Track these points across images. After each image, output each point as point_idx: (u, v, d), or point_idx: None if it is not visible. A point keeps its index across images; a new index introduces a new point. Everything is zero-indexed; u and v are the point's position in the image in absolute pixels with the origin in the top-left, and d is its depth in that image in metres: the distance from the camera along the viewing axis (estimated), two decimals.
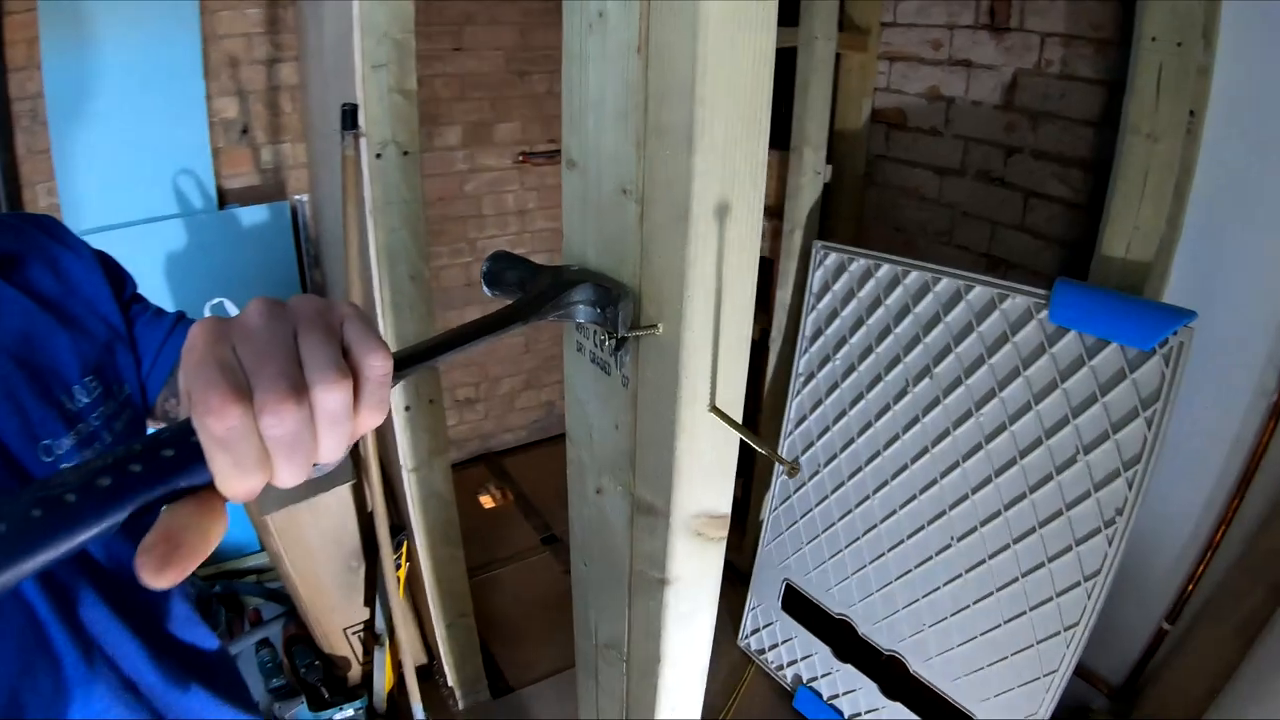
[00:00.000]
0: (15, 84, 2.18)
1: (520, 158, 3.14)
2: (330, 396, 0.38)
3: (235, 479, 0.36)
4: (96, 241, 2.37)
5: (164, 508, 0.36)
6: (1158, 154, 1.46)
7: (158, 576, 0.34)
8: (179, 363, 0.72)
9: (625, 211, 0.73)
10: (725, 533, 0.87)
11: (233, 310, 1.92)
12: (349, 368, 0.39)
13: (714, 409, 0.72)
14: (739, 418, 0.74)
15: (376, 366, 0.40)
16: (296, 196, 2.60)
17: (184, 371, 0.37)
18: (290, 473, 0.38)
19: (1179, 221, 1.53)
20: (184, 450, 0.35)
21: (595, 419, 0.91)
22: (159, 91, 2.32)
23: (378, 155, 1.77)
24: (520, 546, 3.01)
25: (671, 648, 0.91)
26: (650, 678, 0.97)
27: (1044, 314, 1.61)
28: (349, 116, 1.72)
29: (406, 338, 1.92)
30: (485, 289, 0.73)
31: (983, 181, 1.87)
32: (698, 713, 1.02)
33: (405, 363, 0.46)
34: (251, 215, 2.50)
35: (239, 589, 2.53)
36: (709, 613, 0.93)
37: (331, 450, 0.39)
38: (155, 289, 2.35)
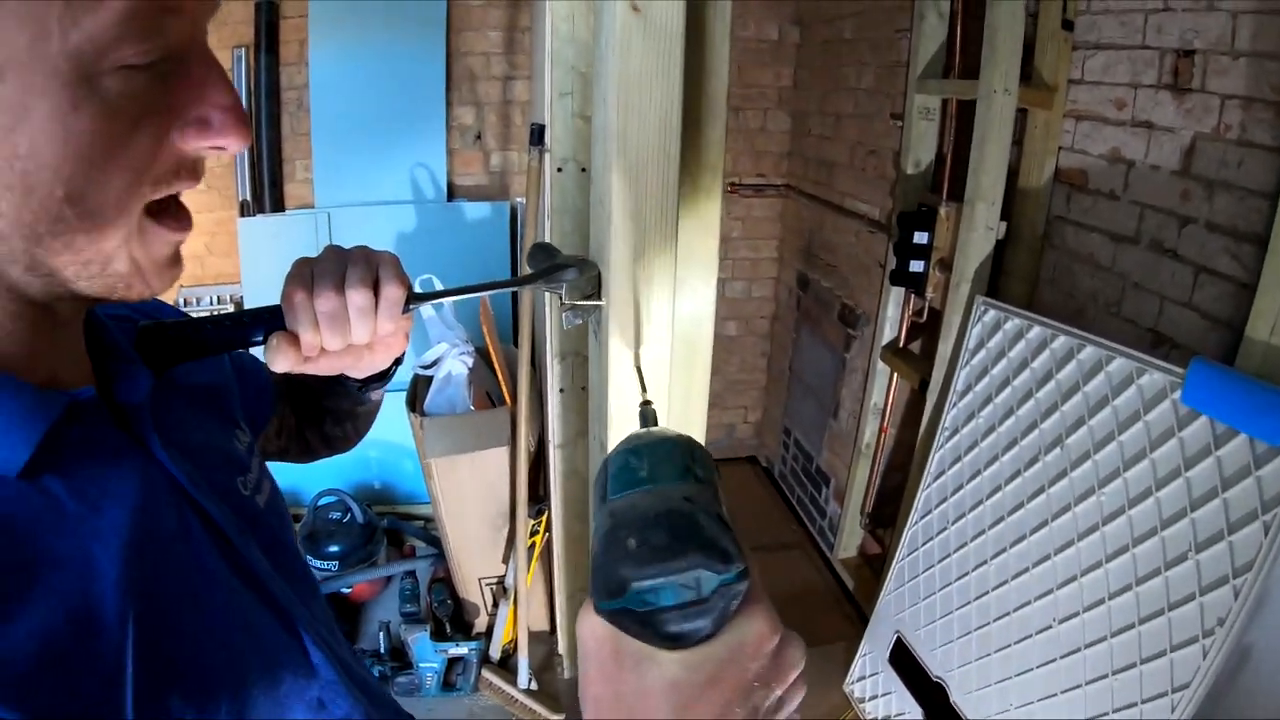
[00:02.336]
0: (286, 76, 2.72)
1: (729, 188, 3.29)
2: (357, 296, 0.63)
3: (301, 330, 0.62)
4: (339, 215, 2.83)
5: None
6: None
7: (276, 358, 0.62)
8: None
9: (600, 216, 0.90)
10: None
11: (439, 284, 2.23)
12: (375, 286, 0.64)
13: (637, 368, 0.86)
14: (665, 379, 0.88)
15: (391, 289, 0.64)
16: (517, 199, 2.94)
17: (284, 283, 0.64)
18: (331, 338, 0.63)
19: None
20: (276, 314, 0.63)
21: (592, 376, 1.08)
22: (406, 95, 2.76)
23: (559, 169, 2.00)
24: None
25: None
26: None
27: (1178, 394, 1.50)
28: (536, 134, 1.96)
29: (568, 332, 2.12)
30: (528, 266, 0.91)
31: (1155, 252, 1.75)
32: None
33: (421, 297, 0.70)
34: (476, 210, 2.87)
35: (404, 528, 2.90)
36: None
37: (361, 333, 0.64)
38: None
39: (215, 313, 0.65)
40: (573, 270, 0.85)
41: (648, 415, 0.64)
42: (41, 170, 0.39)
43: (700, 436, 1.11)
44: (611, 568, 0.41)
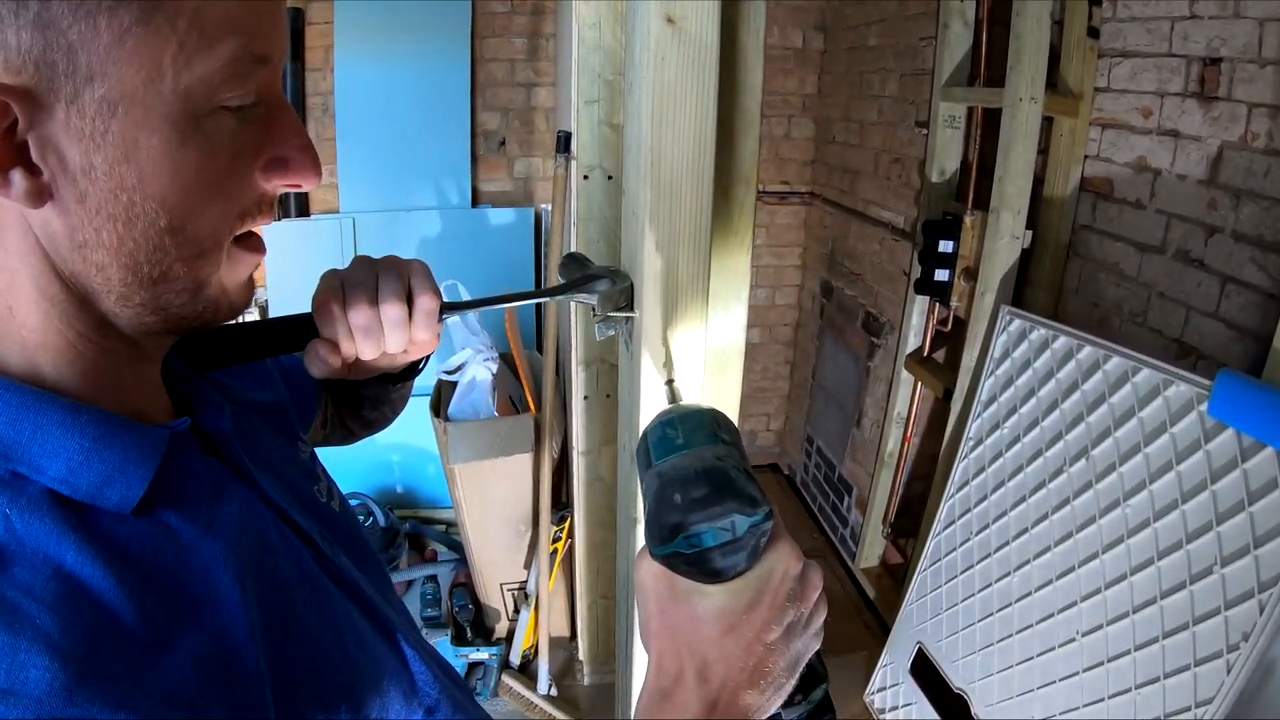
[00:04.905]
0: (311, 81, 2.79)
1: None
2: (390, 309, 0.65)
3: (339, 340, 0.65)
4: (364, 221, 2.88)
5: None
6: None
7: (315, 365, 0.66)
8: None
9: (633, 228, 0.91)
10: None
11: (464, 292, 2.27)
12: (409, 298, 0.66)
13: (669, 383, 0.86)
14: (698, 396, 0.89)
15: (425, 300, 0.67)
16: (542, 205, 2.98)
17: (314, 295, 0.66)
18: (366, 349, 0.66)
19: None
20: (309, 321, 0.65)
21: (622, 390, 1.09)
22: (431, 101, 2.82)
23: (585, 176, 2.03)
24: None
25: None
26: (629, 633, 1.10)
27: (1204, 406, 1.50)
28: (563, 141, 2.00)
29: (593, 339, 2.15)
30: (559, 276, 0.92)
31: (1181, 262, 1.76)
32: None
33: (454, 307, 0.72)
34: (500, 216, 2.92)
35: (426, 532, 2.94)
36: None
37: (395, 344, 0.66)
38: None
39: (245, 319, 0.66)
40: (605, 281, 0.86)
41: (674, 393, 0.70)
42: (148, 201, 0.43)
43: None
44: (663, 518, 0.51)
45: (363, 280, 0.65)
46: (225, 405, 0.58)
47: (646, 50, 0.81)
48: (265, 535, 0.53)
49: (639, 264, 0.89)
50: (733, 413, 1.05)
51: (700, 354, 0.90)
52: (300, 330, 0.66)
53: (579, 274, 0.89)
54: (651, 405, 0.91)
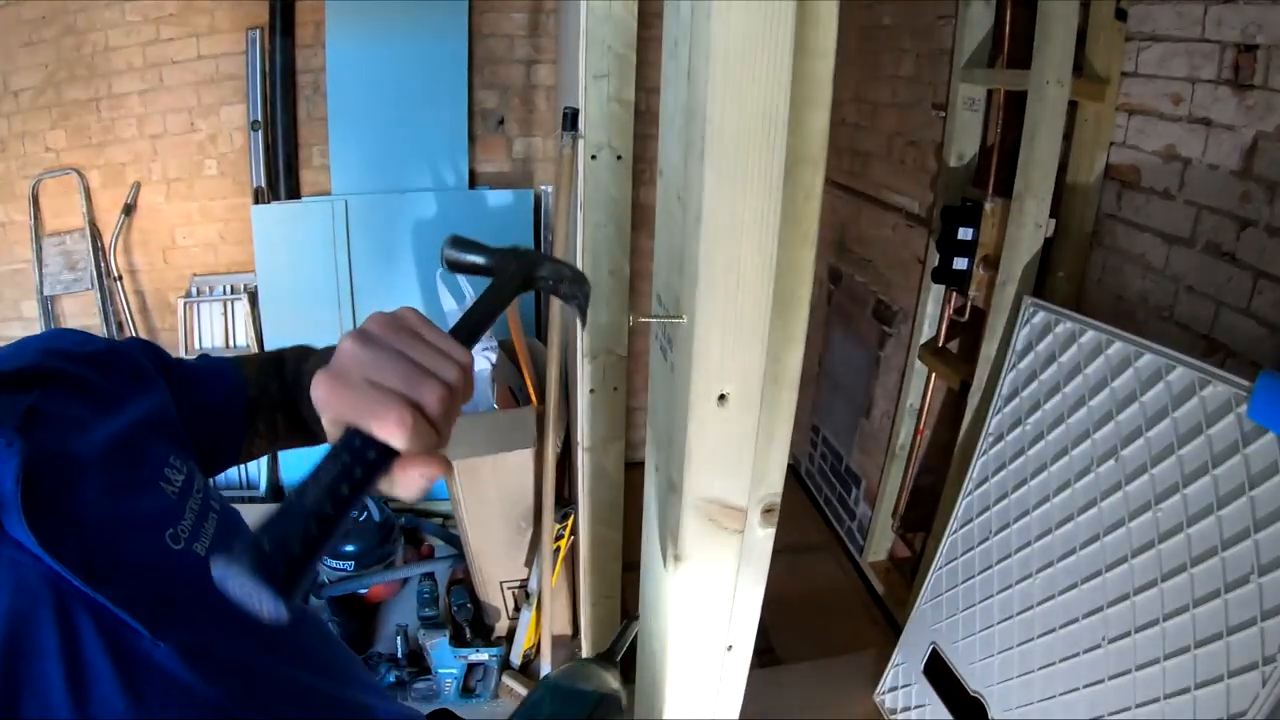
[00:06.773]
0: (302, 58, 2.73)
1: None
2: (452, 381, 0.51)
3: (421, 443, 0.48)
4: (356, 203, 2.81)
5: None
6: None
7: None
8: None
9: (678, 216, 0.84)
10: (741, 526, 0.93)
11: (463, 284, 2.22)
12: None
13: (721, 397, 0.80)
14: (754, 413, 0.82)
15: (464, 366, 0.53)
16: (542, 186, 2.93)
17: (331, 394, 0.49)
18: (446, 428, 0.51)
19: None
20: (379, 448, 0.48)
21: (656, 401, 1.02)
22: (427, 79, 2.76)
23: (593, 156, 1.97)
24: None
25: (675, 628, 0.98)
26: (657, 656, 1.06)
27: (1244, 408, 1.47)
28: (569, 119, 1.93)
29: (600, 329, 2.10)
30: (445, 268, 0.74)
31: (1211, 255, 1.72)
32: (704, 711, 1.09)
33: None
34: (498, 198, 2.86)
35: (422, 526, 2.90)
36: (719, 605, 0.98)
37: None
38: (400, 253, 2.81)
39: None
40: (547, 264, 0.70)
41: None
42: None
43: (782, 467, 0.99)
44: None
45: (406, 366, 0.51)
46: (11, 459, 0.46)
47: None
48: (35, 633, 0.43)
49: (690, 260, 0.79)
50: (788, 433, 0.96)
51: (758, 367, 0.81)
52: (377, 460, 0.49)
53: (483, 256, 0.70)
54: (701, 425, 0.83)
